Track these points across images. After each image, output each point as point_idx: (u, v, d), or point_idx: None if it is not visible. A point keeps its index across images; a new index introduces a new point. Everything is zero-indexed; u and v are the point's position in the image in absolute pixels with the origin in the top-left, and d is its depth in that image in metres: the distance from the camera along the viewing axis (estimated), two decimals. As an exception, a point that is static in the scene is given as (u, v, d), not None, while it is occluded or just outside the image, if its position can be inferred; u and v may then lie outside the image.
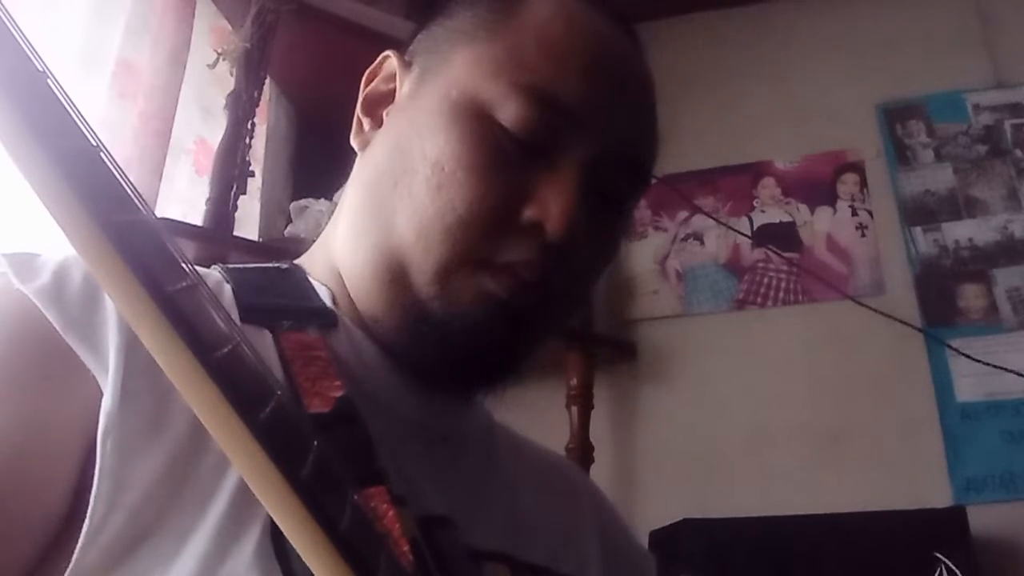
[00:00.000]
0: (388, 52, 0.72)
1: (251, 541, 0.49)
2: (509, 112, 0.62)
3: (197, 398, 0.34)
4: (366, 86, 0.72)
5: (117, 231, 0.32)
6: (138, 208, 0.33)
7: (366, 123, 0.71)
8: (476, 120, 0.62)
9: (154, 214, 0.34)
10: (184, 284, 0.34)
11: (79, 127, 0.33)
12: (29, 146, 0.30)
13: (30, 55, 0.32)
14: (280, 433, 0.36)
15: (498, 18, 0.66)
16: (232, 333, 0.37)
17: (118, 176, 0.33)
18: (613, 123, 0.65)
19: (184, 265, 0.36)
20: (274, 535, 0.49)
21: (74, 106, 0.32)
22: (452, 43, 0.67)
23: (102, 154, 0.33)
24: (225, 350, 0.35)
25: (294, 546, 0.36)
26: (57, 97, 0.32)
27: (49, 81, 0.32)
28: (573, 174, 0.62)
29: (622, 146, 0.66)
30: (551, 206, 0.60)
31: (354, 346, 0.64)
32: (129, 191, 0.34)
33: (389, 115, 0.69)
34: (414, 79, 0.68)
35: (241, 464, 0.35)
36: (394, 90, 0.70)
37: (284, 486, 0.35)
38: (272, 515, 0.35)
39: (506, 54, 0.63)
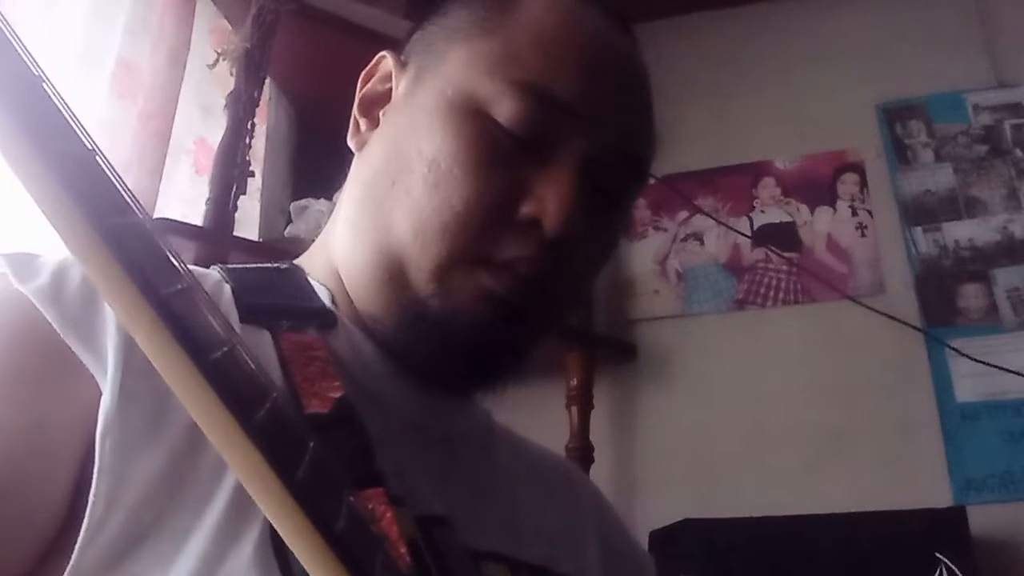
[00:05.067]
0: (384, 52, 0.72)
1: (250, 541, 0.49)
2: (505, 109, 0.62)
3: (193, 400, 0.34)
4: (362, 87, 0.72)
5: (112, 234, 0.32)
6: (133, 211, 0.33)
7: (363, 123, 0.71)
8: (472, 117, 0.62)
9: (150, 217, 0.34)
10: (179, 287, 0.34)
11: (75, 131, 0.33)
12: (24, 149, 0.30)
13: (26, 59, 0.32)
14: (276, 435, 0.36)
15: (493, 16, 0.66)
16: (228, 335, 0.37)
17: (113, 179, 0.34)
18: (610, 118, 0.65)
19: (179, 268, 0.36)
20: (273, 535, 0.49)
21: (70, 110, 0.32)
22: (448, 42, 0.67)
23: (97, 157, 0.33)
24: (221, 352, 0.35)
25: (290, 548, 0.36)
26: (53, 101, 0.32)
27: (45, 85, 0.32)
28: (570, 170, 0.62)
29: (619, 141, 0.66)
30: (549, 202, 0.60)
31: (353, 346, 0.64)
32: (124, 194, 0.34)
33: (386, 115, 0.69)
34: (410, 79, 0.68)
35: (237, 466, 0.35)
36: (390, 90, 0.70)
37: (280, 488, 0.35)
38: (268, 516, 0.36)
39: (501, 51, 0.63)
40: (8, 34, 0.30)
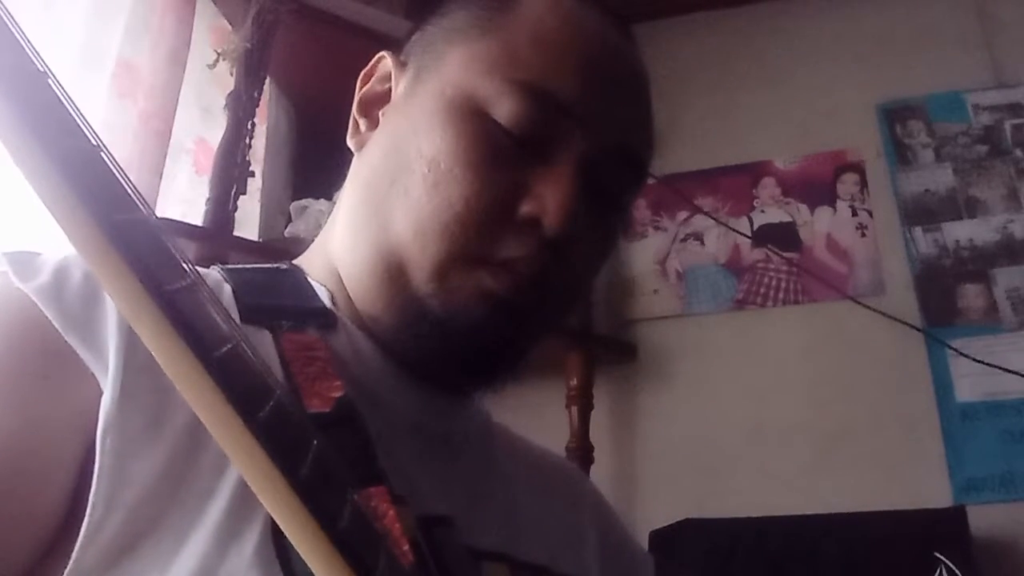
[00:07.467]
0: (383, 52, 0.72)
1: (252, 540, 0.49)
2: (504, 109, 0.61)
3: (196, 397, 0.34)
4: (361, 87, 0.72)
5: (116, 230, 0.32)
6: (138, 207, 0.33)
7: (362, 123, 0.71)
8: (472, 117, 0.62)
9: (154, 213, 0.34)
10: (184, 283, 0.34)
11: (79, 127, 0.33)
12: (29, 145, 0.30)
13: (30, 55, 0.32)
14: (280, 432, 0.36)
15: (492, 16, 0.66)
16: (232, 332, 0.37)
17: (118, 175, 0.34)
18: (609, 118, 0.65)
19: (184, 264, 0.36)
20: (275, 534, 0.49)
21: (75, 106, 0.32)
22: (447, 42, 0.67)
23: (102, 154, 0.33)
24: (225, 349, 0.35)
25: (293, 545, 0.36)
26: (57, 97, 0.32)
27: (49, 81, 0.32)
28: (569, 169, 0.62)
29: (618, 141, 0.66)
30: (548, 201, 0.60)
31: (353, 346, 0.64)
32: (129, 190, 0.34)
33: (385, 115, 0.69)
34: (409, 78, 0.68)
35: (240, 463, 0.35)
36: (390, 90, 0.70)
37: (283, 485, 0.35)
38: (271, 514, 0.36)
39: (501, 51, 0.63)
40: (13, 29, 0.30)
